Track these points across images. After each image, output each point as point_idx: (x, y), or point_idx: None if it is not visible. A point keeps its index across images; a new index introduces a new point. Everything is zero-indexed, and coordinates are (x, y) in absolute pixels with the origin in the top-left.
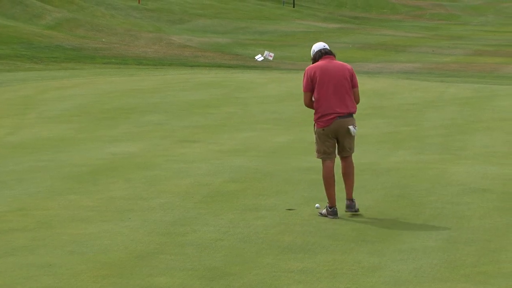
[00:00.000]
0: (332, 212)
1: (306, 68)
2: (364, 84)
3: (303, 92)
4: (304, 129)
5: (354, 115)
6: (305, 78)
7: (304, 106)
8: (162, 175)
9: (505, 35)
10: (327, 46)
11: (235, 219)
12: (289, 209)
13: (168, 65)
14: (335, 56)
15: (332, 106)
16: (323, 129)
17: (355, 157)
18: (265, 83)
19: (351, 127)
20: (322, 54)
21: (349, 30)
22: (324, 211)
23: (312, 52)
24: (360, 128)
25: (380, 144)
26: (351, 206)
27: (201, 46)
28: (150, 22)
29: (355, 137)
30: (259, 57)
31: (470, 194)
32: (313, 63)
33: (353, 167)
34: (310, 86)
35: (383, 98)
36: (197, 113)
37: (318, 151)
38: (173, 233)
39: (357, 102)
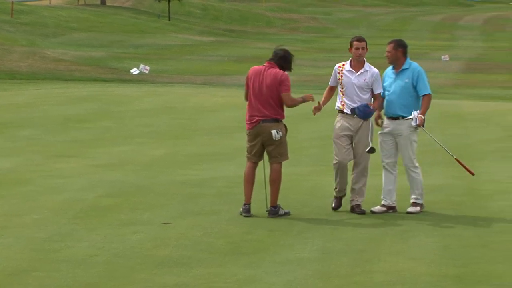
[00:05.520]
0: (244, 209)
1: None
2: (239, 97)
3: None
4: (179, 142)
5: (281, 121)
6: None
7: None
8: (36, 190)
9: (377, 47)
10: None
11: (110, 234)
12: (165, 223)
13: (42, 80)
14: (277, 64)
15: (256, 110)
16: (248, 132)
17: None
18: (141, 97)
19: (273, 131)
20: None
21: (225, 43)
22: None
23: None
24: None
25: None
26: (271, 212)
27: (76, 60)
28: (23, 36)
29: (286, 144)
30: (134, 71)
31: (344, 204)
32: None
33: (277, 174)
34: (246, 87)
35: None
36: (72, 127)
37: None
38: (47, 249)
39: (288, 105)
